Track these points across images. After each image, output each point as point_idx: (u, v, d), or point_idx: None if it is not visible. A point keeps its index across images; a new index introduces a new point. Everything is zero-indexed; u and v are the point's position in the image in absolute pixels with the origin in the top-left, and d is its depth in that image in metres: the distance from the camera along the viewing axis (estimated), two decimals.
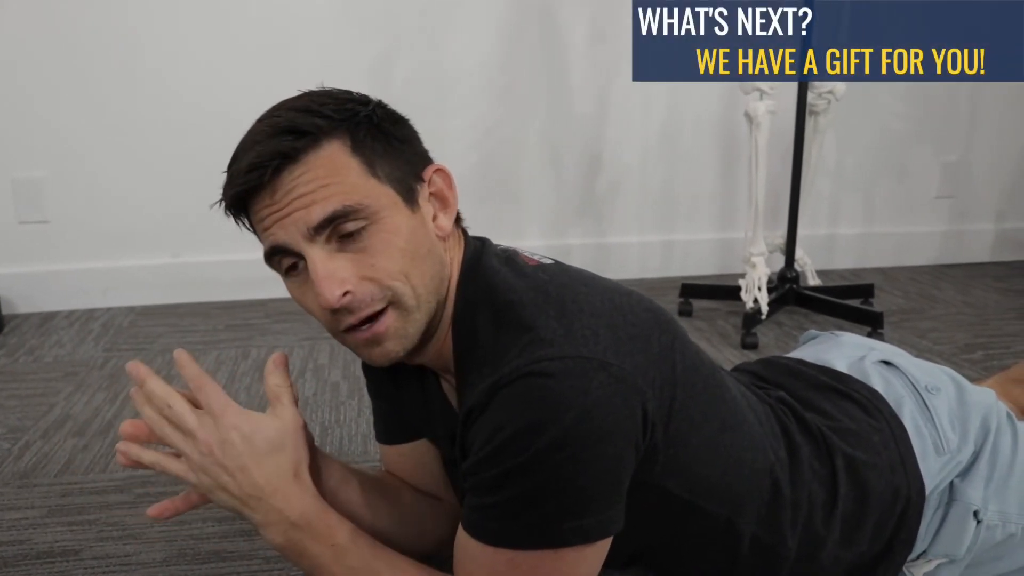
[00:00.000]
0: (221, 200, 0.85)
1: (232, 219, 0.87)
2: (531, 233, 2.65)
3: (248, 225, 0.87)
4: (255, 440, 0.83)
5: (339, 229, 0.80)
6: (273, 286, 1.03)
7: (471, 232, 0.95)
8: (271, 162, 0.79)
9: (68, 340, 2.18)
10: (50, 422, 1.67)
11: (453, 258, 0.89)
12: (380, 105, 0.87)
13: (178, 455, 0.85)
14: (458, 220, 0.92)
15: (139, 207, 2.42)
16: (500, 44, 2.51)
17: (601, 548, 0.82)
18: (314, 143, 0.80)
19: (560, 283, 0.86)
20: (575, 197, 2.68)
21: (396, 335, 0.84)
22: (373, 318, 0.83)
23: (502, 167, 2.60)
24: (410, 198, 0.85)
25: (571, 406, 0.74)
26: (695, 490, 0.88)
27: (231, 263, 2.32)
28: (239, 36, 2.37)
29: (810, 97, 2.19)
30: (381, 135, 0.84)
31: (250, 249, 0.93)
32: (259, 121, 0.84)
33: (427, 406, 0.99)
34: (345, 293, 0.80)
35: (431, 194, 0.88)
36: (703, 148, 2.72)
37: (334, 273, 0.80)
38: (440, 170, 0.90)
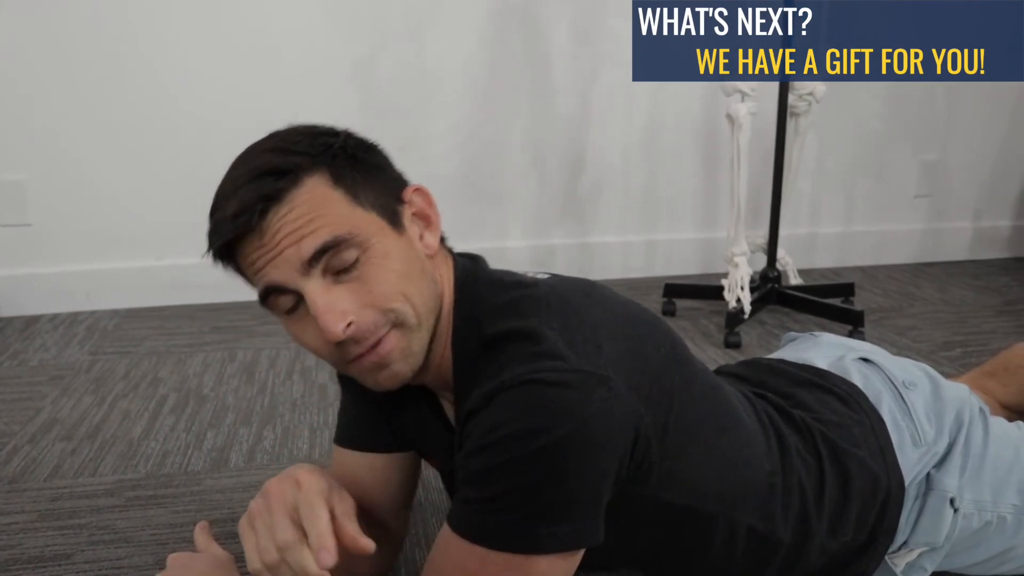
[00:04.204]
0: (209, 250, 0.84)
1: (221, 266, 0.86)
2: (514, 234, 2.67)
3: (237, 270, 0.87)
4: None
5: (333, 263, 0.80)
6: None
7: (461, 237, 0.95)
8: (256, 206, 0.79)
9: (53, 343, 2.17)
10: (37, 426, 1.67)
11: (443, 275, 0.90)
12: (350, 135, 0.88)
13: None
14: (442, 239, 0.93)
15: (123, 209, 2.41)
16: (483, 46, 2.52)
17: (571, 562, 0.82)
18: (295, 181, 0.80)
19: (561, 295, 0.87)
20: (558, 198, 2.70)
21: (402, 355, 0.84)
22: (377, 341, 0.83)
23: (485, 168, 2.61)
24: (395, 221, 0.85)
25: (569, 416, 0.75)
26: (692, 495, 0.90)
27: (216, 265, 2.31)
28: (225, 37, 2.37)
29: (791, 99, 2.21)
30: (358, 164, 0.85)
31: None
32: (234, 167, 0.84)
33: (425, 425, 0.99)
34: (349, 324, 0.80)
35: (413, 214, 0.89)
36: (685, 149, 2.75)
37: (334, 305, 0.80)
38: (419, 189, 0.90)
